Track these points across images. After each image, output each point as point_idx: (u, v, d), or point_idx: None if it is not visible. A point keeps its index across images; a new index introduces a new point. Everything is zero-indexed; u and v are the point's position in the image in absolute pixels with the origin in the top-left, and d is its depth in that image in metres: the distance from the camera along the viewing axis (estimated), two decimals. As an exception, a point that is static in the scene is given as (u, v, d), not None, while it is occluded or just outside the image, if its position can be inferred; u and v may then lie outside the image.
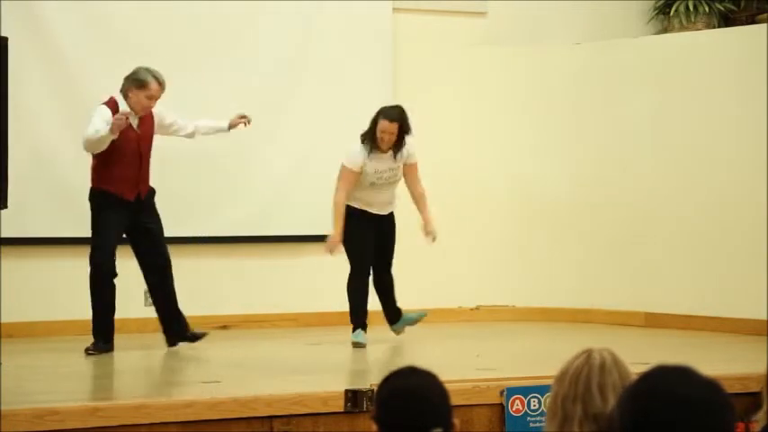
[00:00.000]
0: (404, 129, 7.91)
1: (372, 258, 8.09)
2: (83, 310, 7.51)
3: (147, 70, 7.61)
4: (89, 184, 7.58)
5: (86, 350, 7.42)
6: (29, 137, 8.44)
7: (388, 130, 7.85)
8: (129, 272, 7.61)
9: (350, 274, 8.07)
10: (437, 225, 8.18)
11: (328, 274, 9.33)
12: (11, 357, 6.81)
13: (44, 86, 8.59)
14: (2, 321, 7.67)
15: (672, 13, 9.75)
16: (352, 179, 7.93)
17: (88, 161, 8.69)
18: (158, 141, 8.24)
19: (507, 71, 9.89)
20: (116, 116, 7.29)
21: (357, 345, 7.89)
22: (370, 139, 7.90)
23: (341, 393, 5.57)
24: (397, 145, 7.92)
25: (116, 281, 7.48)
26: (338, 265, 9.34)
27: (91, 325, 7.52)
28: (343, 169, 7.96)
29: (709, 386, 2.38)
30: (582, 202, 9.73)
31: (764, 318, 8.35)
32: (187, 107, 8.81)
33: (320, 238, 8.06)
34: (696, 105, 9.18)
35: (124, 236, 7.63)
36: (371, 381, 5.45)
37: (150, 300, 7.97)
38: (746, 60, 8.95)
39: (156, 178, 8.83)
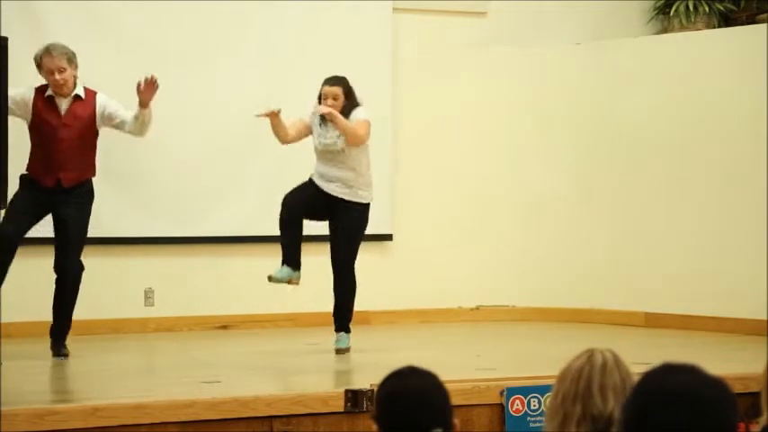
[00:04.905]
0: (351, 101, 7.54)
1: (300, 206, 7.54)
2: (83, 310, 7.49)
3: (44, 47, 7.11)
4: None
5: None
6: (29, 137, 8.42)
7: (330, 93, 7.47)
8: (129, 272, 7.62)
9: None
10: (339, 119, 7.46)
11: (328, 274, 9.34)
12: (11, 357, 6.80)
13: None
14: (2, 321, 7.66)
15: (672, 13, 9.75)
16: (296, 120, 7.56)
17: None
18: (163, 142, 8.26)
19: (507, 71, 9.88)
20: None
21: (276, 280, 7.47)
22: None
23: (341, 393, 5.57)
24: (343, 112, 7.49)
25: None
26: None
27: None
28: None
29: (716, 384, 2.37)
30: (581, 202, 9.73)
31: (764, 318, 8.35)
32: (186, 106, 8.83)
33: (319, 239, 8.03)
34: (696, 105, 9.18)
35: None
36: (371, 381, 5.44)
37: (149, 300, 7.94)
38: (746, 60, 8.95)
39: (154, 178, 8.85)
